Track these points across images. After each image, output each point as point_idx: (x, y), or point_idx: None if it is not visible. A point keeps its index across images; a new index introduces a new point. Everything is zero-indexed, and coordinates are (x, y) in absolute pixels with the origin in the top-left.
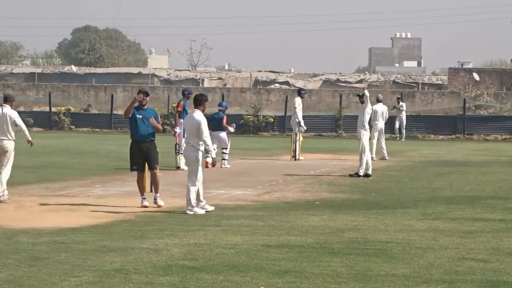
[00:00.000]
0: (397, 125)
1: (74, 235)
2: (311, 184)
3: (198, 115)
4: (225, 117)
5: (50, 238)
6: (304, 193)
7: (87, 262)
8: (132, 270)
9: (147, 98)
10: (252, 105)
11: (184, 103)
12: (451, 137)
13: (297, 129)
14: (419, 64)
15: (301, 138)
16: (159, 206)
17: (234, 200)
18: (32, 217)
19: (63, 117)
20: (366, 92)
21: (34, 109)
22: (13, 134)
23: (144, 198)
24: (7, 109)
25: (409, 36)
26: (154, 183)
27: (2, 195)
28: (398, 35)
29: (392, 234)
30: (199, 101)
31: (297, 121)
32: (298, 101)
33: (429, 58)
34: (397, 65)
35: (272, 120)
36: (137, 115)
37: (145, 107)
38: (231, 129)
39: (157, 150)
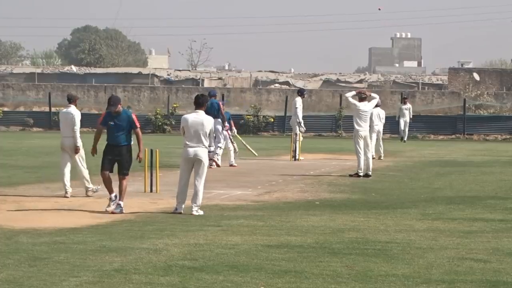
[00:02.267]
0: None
1: (74, 235)
2: (311, 184)
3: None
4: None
5: (50, 238)
6: (304, 193)
7: (87, 262)
8: (132, 270)
9: (120, 107)
10: (252, 105)
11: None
12: (451, 137)
13: (297, 129)
14: (419, 64)
15: (301, 138)
16: (112, 212)
17: (234, 200)
18: (32, 217)
19: None
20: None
21: (34, 109)
22: None
23: (111, 199)
24: (72, 109)
25: (409, 36)
26: (120, 189)
27: (91, 189)
28: (398, 35)
29: (392, 234)
30: (203, 102)
31: (298, 121)
32: (299, 101)
33: (429, 58)
34: (397, 65)
35: (272, 120)
36: (110, 123)
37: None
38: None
39: (131, 156)
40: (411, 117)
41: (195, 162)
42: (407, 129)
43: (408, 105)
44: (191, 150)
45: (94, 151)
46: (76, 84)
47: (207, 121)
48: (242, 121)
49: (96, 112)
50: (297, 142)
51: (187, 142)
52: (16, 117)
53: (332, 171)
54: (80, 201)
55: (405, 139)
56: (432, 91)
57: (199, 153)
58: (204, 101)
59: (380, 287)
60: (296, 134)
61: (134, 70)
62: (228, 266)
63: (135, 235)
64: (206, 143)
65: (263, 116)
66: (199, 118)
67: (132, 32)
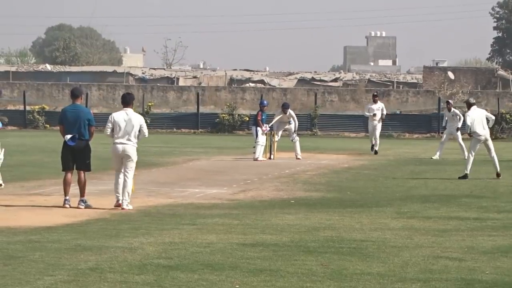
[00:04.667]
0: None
1: (49, 234)
2: (286, 182)
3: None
4: (259, 114)
5: (24, 237)
6: (279, 192)
7: (62, 261)
8: (107, 269)
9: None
10: (227, 104)
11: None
12: (426, 135)
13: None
14: (394, 63)
15: (277, 138)
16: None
17: (209, 199)
18: (7, 216)
19: (37, 116)
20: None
21: (8, 108)
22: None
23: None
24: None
25: (384, 35)
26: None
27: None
28: (373, 34)
29: (367, 233)
30: (129, 100)
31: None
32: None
33: (404, 57)
34: (372, 63)
35: (247, 118)
36: None
37: None
38: (263, 129)
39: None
40: (385, 114)
41: (123, 157)
42: (378, 134)
43: (380, 104)
44: (120, 146)
45: None
46: (51, 82)
47: (136, 119)
48: (217, 119)
49: None
50: (273, 142)
51: (116, 140)
52: None
53: (307, 170)
54: (55, 199)
55: (377, 148)
56: (407, 90)
57: (128, 149)
58: (131, 99)
59: (355, 286)
60: (271, 133)
61: (109, 68)
62: (203, 265)
63: (110, 233)
64: (135, 140)
65: (238, 115)
66: (128, 116)
67: (107, 31)
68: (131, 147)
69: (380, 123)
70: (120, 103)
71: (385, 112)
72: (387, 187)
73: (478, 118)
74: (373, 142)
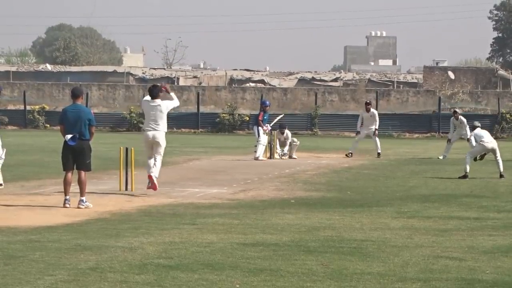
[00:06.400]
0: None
1: (49, 234)
2: (286, 182)
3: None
4: (261, 114)
5: (25, 236)
6: (279, 192)
7: (62, 261)
8: (107, 269)
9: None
10: (228, 104)
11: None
12: (426, 135)
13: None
14: (394, 62)
15: (279, 151)
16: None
17: (209, 199)
18: (7, 216)
19: (38, 116)
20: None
21: (9, 108)
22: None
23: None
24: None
25: (384, 34)
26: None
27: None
28: (373, 34)
29: (367, 233)
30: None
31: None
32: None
33: (404, 57)
34: (372, 63)
35: (248, 118)
36: None
37: None
38: (264, 128)
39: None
40: (377, 123)
41: (153, 143)
42: (377, 139)
43: (372, 112)
44: (150, 133)
45: None
46: (51, 82)
47: (163, 105)
48: (218, 119)
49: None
50: (273, 142)
51: (146, 127)
52: None
53: (308, 170)
54: (55, 199)
55: (379, 150)
56: (407, 90)
57: (157, 135)
58: (157, 92)
59: (355, 286)
60: (271, 133)
61: (109, 68)
62: (204, 265)
63: (110, 233)
64: (163, 126)
65: (239, 115)
66: (155, 105)
67: (107, 30)
68: (160, 133)
69: (376, 133)
70: (149, 96)
71: (377, 121)
72: (387, 187)
73: (485, 133)
74: (354, 148)
